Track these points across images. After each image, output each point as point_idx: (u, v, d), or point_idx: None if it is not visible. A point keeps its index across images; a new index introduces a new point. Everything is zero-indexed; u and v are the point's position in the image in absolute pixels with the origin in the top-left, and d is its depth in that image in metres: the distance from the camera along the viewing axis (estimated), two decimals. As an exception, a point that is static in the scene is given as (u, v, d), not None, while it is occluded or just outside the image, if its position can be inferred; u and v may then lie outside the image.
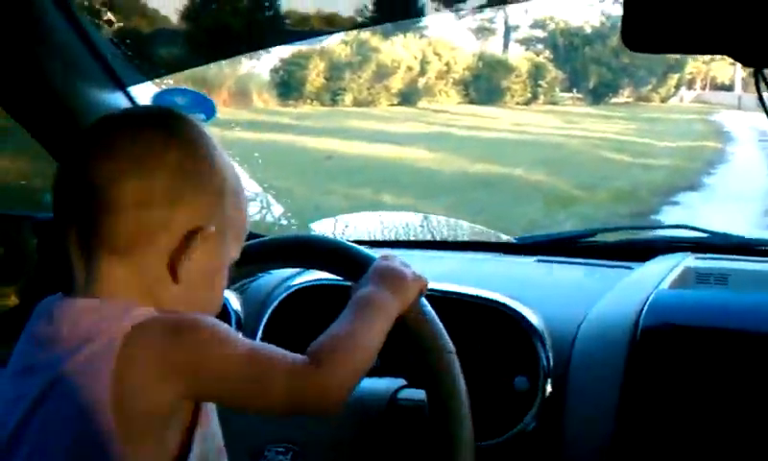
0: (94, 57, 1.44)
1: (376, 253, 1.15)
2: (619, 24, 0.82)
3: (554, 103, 28.20)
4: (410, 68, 23.16)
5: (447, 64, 25.04)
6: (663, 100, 32.12)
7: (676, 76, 32.33)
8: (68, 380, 0.83)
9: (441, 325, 1.09)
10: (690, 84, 34.85)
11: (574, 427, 1.34)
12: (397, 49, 22.93)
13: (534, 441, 1.36)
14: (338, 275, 1.18)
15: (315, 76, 20.18)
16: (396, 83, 22.84)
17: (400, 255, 1.13)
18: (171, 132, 0.92)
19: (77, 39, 1.39)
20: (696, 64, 32.62)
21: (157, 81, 1.66)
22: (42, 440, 0.84)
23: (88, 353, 0.83)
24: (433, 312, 1.09)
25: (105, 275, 0.88)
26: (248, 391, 0.89)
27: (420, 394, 1.14)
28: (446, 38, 25.98)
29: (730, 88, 30.46)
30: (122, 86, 1.52)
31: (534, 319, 1.43)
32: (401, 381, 1.26)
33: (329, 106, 20.39)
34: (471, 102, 25.48)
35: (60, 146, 1.49)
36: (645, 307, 1.38)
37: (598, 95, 29.69)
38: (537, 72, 28.13)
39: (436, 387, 1.07)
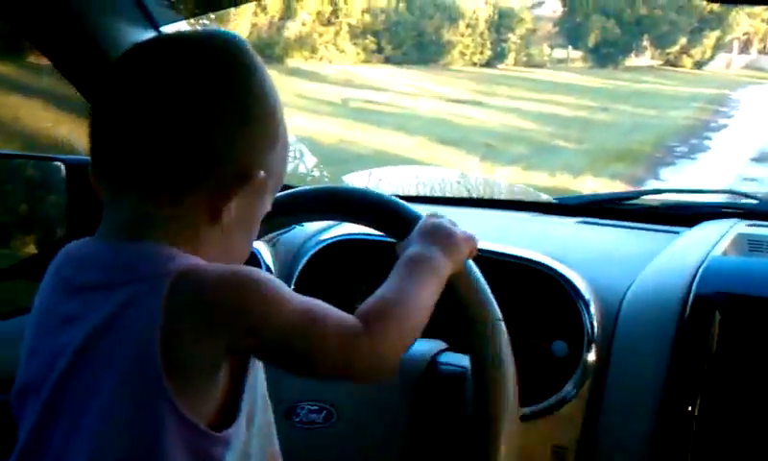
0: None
1: (419, 209, 1.09)
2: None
3: (537, 66, 21.05)
4: (264, 9, 17.67)
5: (334, 4, 18.55)
6: (698, 64, 24.57)
7: (714, 34, 24.16)
8: (113, 327, 0.77)
9: (489, 290, 1.03)
10: (746, 47, 26.66)
11: (616, 398, 1.28)
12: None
13: (573, 409, 1.30)
14: (382, 231, 1.11)
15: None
16: (243, 30, 15.92)
17: (440, 212, 1.08)
18: (235, 58, 0.84)
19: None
20: (754, 22, 24.84)
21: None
22: (90, 389, 0.78)
23: (133, 300, 0.77)
24: (481, 276, 1.03)
25: (143, 217, 0.81)
26: (298, 349, 0.81)
27: (462, 360, 1.09)
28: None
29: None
30: (155, 26, 1.47)
31: (579, 282, 1.37)
32: (442, 344, 1.21)
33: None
34: (388, 61, 18.86)
35: (90, 86, 1.45)
36: (698, 274, 1.31)
37: (602, 56, 22.57)
38: (500, 22, 20.28)
39: (482, 356, 1.02)
